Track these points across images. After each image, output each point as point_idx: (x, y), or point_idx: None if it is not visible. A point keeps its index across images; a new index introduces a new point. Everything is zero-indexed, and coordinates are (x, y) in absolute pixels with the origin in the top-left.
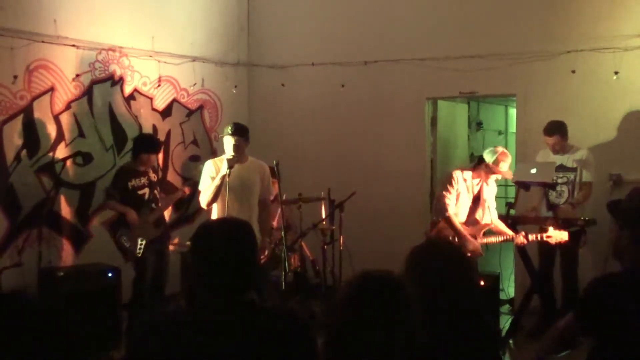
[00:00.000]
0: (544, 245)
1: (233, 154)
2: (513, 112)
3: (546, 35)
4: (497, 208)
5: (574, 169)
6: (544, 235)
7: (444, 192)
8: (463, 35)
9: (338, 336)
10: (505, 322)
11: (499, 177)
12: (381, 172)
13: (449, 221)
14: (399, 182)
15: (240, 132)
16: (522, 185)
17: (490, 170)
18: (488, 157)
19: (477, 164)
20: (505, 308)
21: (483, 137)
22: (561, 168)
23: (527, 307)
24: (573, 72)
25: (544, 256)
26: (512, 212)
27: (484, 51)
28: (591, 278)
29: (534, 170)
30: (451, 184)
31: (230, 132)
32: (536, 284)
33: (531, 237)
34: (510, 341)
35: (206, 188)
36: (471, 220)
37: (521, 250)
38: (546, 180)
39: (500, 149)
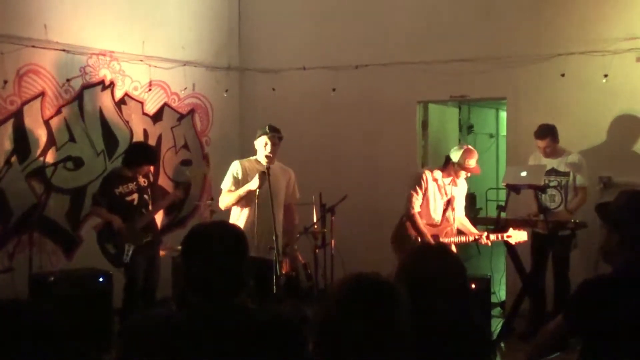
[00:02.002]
0: (535, 248)
1: (269, 153)
2: (504, 115)
3: (536, 38)
4: (488, 211)
5: (566, 173)
6: (504, 234)
7: (412, 192)
8: (453, 39)
9: (328, 338)
10: (497, 325)
11: (469, 174)
12: (372, 176)
13: (412, 220)
14: (390, 185)
15: (277, 130)
16: (513, 188)
17: (458, 167)
18: (454, 156)
19: (445, 163)
20: (497, 311)
21: (474, 140)
22: (553, 172)
23: (519, 310)
24: (563, 75)
25: (535, 259)
26: (503, 214)
27: (475, 55)
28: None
29: (524, 173)
30: (419, 184)
31: (267, 131)
32: (527, 286)
33: (492, 237)
34: (502, 344)
35: (227, 191)
36: (442, 220)
37: (512, 252)
38: (536, 183)
39: (465, 146)
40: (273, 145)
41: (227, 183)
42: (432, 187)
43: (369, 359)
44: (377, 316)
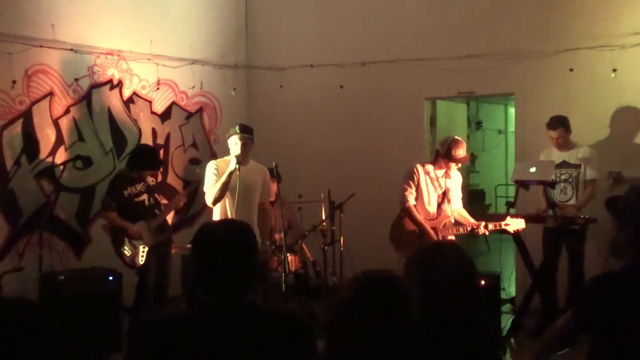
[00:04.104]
0: (547, 242)
1: (239, 152)
2: (512, 111)
3: (544, 33)
4: (497, 207)
5: (577, 166)
6: (502, 223)
7: (405, 185)
8: (461, 35)
9: (338, 336)
10: (507, 322)
11: (459, 164)
12: (380, 173)
13: (408, 212)
14: (398, 182)
15: (247, 131)
16: (522, 184)
17: (447, 159)
18: (441, 148)
19: (435, 157)
20: (507, 307)
21: (483, 136)
22: (564, 164)
23: (528, 306)
24: (571, 70)
25: (547, 254)
26: (512, 210)
27: (482, 51)
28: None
29: (533, 169)
30: (412, 178)
31: (237, 131)
32: (537, 282)
33: (490, 226)
34: (512, 340)
35: (212, 186)
36: (438, 213)
37: (521, 248)
38: (545, 179)
39: (450, 137)
40: (243, 145)
41: (209, 181)
42: (424, 180)
43: (380, 356)
44: (388, 313)
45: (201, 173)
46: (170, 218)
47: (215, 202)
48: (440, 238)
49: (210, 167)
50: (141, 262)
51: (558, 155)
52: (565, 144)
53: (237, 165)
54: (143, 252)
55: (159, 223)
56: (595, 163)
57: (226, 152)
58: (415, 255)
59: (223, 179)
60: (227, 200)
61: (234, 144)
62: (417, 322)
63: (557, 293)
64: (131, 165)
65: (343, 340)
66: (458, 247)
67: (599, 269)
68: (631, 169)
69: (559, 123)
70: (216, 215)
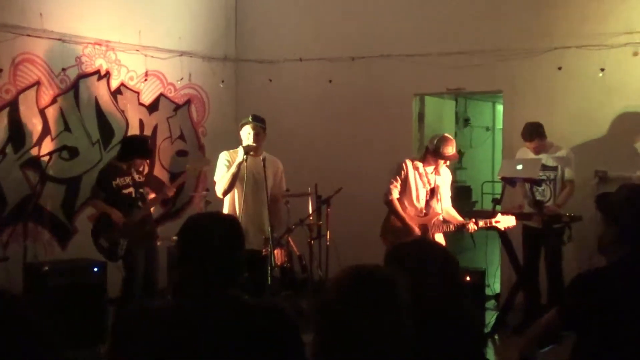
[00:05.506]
0: (528, 241)
1: (252, 142)
2: (500, 108)
3: (533, 32)
4: (483, 204)
5: (554, 168)
6: (493, 220)
7: (390, 179)
8: (450, 32)
9: (328, 329)
10: (491, 318)
11: (448, 161)
12: (368, 168)
13: (390, 206)
14: (386, 178)
15: (260, 120)
16: (508, 182)
17: (436, 156)
18: (430, 145)
19: (424, 154)
20: (491, 304)
21: (471, 133)
22: (541, 166)
23: (513, 302)
24: (559, 69)
25: (528, 252)
26: (499, 207)
27: (471, 48)
28: (576, 273)
29: (519, 167)
30: (399, 173)
31: (250, 120)
32: (522, 279)
33: (481, 223)
34: (496, 337)
35: (222, 177)
36: (426, 209)
37: (507, 245)
38: (532, 176)
39: (440, 134)
40: (256, 134)
41: (220, 172)
42: (412, 175)
43: (369, 349)
44: (377, 307)
45: (191, 167)
46: (153, 210)
47: (225, 194)
48: (430, 236)
49: (222, 158)
50: (120, 255)
51: (534, 156)
52: (542, 149)
53: (245, 157)
54: (123, 244)
55: (141, 216)
56: (572, 164)
57: (213, 144)
58: (394, 252)
59: (232, 170)
60: (235, 192)
61: (247, 133)
62: (407, 315)
63: (539, 290)
64: (121, 156)
65: (333, 333)
66: (439, 243)
67: (578, 266)
68: (617, 168)
69: (535, 134)
70: (225, 207)
